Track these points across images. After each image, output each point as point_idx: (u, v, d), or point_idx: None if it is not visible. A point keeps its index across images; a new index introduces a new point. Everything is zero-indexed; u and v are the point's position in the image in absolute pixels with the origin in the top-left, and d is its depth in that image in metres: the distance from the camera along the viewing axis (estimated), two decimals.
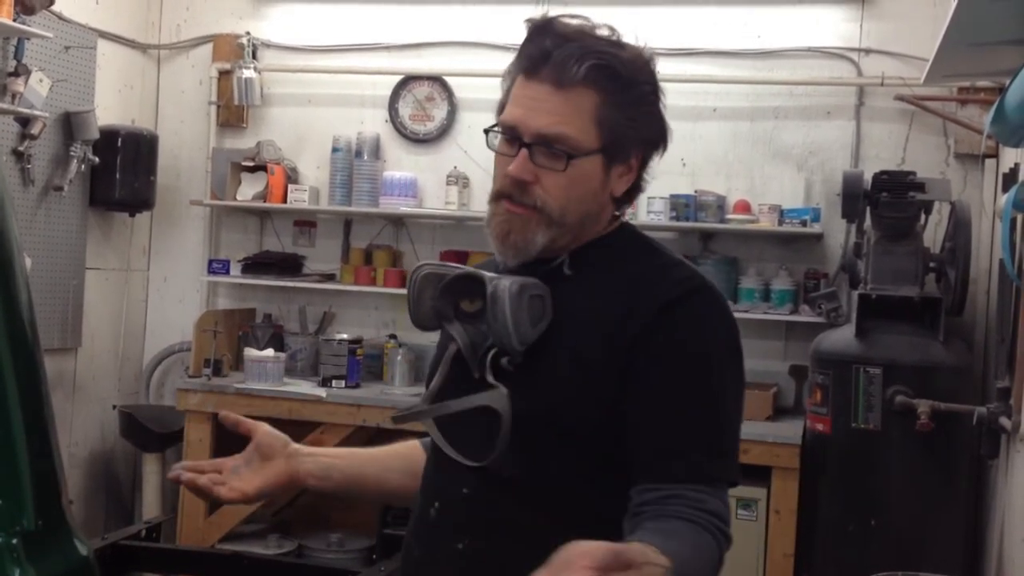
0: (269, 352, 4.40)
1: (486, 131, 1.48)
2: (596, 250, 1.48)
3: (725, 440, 1.40)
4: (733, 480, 1.39)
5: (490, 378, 1.41)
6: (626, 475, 1.39)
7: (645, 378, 1.38)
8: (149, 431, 4.57)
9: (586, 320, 1.42)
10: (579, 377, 1.39)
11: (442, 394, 1.47)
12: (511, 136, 1.43)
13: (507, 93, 1.47)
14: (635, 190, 1.52)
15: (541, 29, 1.42)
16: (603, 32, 1.43)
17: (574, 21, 1.43)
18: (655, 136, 1.46)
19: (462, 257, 4.43)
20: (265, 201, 4.71)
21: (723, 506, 1.34)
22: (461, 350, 1.45)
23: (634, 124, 1.43)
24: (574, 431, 1.40)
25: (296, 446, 1.58)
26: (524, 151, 1.40)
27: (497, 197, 1.45)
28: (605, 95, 1.40)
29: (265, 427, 1.57)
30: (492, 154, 4.69)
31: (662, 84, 1.47)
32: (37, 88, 4.10)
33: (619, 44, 1.42)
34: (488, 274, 1.44)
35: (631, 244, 1.51)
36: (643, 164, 1.48)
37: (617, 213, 1.52)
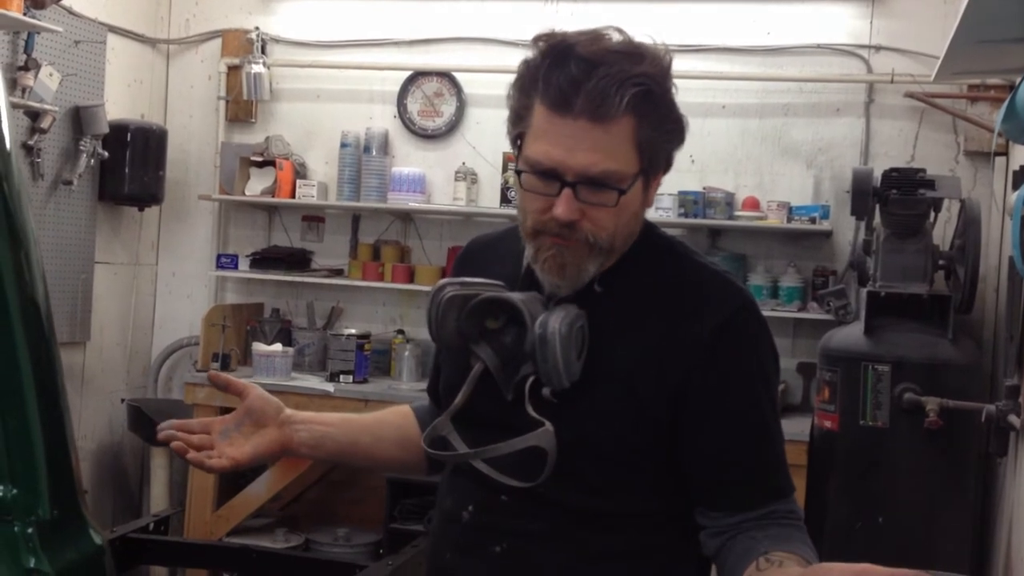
0: (277, 347, 4.40)
1: (517, 172, 1.39)
2: (624, 262, 1.44)
3: (783, 452, 1.44)
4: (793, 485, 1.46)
5: (532, 411, 1.37)
6: (670, 494, 1.42)
7: (710, 407, 1.39)
8: (157, 425, 4.58)
9: (627, 343, 1.39)
10: (629, 405, 1.38)
11: (469, 410, 1.43)
12: (549, 175, 1.34)
13: (521, 120, 1.37)
14: None
15: (561, 55, 1.32)
16: (615, 38, 1.34)
17: (587, 39, 1.33)
18: (681, 138, 1.42)
19: None
20: (273, 196, 4.71)
21: (797, 508, 1.43)
22: (490, 371, 1.41)
23: (667, 136, 1.38)
24: (619, 457, 1.39)
25: (289, 412, 1.53)
26: (568, 191, 1.33)
27: (536, 234, 1.38)
28: (642, 119, 1.33)
29: (257, 390, 1.51)
30: (500, 150, 4.72)
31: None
32: (47, 82, 4.11)
33: (640, 55, 1.34)
34: (518, 298, 1.39)
35: (658, 252, 1.47)
36: (669, 165, 1.44)
37: None
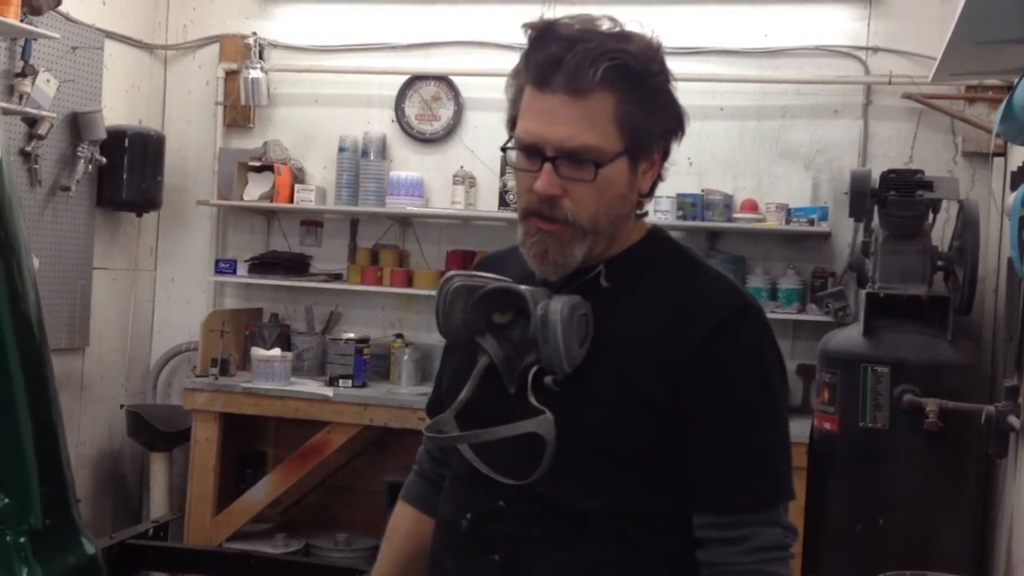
0: (276, 352, 4.40)
1: (503, 149, 1.43)
2: (631, 259, 1.45)
3: (778, 459, 1.42)
4: (789, 494, 1.42)
5: (533, 400, 1.37)
6: (670, 495, 1.40)
7: (703, 403, 1.37)
8: (156, 430, 4.58)
9: (630, 338, 1.39)
10: (627, 398, 1.37)
11: (472, 407, 1.43)
12: (531, 152, 1.38)
13: (515, 104, 1.41)
14: (657, 181, 1.49)
15: (544, 34, 1.36)
16: (606, 25, 1.38)
17: (575, 21, 1.37)
18: (674, 125, 1.42)
19: (469, 257, 4.44)
20: (272, 201, 4.71)
21: (779, 530, 1.37)
22: (495, 364, 1.41)
23: (653, 118, 1.39)
24: (619, 452, 1.38)
25: None
26: (548, 166, 1.35)
27: (525, 215, 1.40)
28: (622, 95, 1.35)
29: None
30: (498, 153, 4.72)
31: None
32: (44, 88, 4.10)
33: (626, 37, 1.37)
34: (524, 288, 1.41)
35: (666, 253, 1.49)
36: (665, 155, 1.45)
37: (641, 200, 1.49)
